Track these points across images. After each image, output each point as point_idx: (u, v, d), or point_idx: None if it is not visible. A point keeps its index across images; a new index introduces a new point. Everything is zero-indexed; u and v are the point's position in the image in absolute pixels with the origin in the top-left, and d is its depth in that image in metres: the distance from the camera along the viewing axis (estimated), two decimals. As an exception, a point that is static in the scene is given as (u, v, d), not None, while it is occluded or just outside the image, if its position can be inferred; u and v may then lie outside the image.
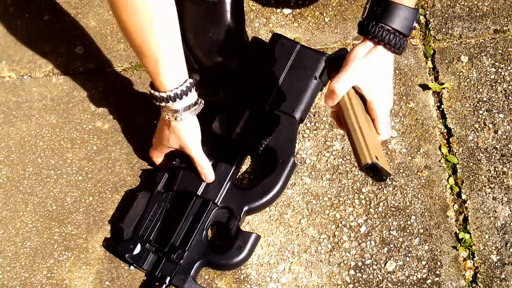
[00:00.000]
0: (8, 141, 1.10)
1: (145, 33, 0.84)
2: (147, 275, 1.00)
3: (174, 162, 1.02)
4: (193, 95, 0.91)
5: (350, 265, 1.02)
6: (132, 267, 1.01)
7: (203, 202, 0.99)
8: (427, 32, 1.20)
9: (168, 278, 0.95)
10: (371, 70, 0.83)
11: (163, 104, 0.90)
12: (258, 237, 0.99)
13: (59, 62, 1.17)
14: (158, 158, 1.04)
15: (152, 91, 0.90)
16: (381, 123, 0.85)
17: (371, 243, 1.03)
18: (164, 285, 0.95)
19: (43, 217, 1.05)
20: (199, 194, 1.00)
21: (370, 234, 1.04)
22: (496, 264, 1.02)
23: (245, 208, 0.99)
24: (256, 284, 1.00)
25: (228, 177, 1.01)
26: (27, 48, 1.18)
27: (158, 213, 0.99)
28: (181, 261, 0.96)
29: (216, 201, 0.99)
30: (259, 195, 1.00)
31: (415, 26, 0.81)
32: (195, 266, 0.96)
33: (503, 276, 1.01)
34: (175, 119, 0.91)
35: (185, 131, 0.94)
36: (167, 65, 0.87)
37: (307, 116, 1.11)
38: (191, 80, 0.91)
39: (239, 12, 1.12)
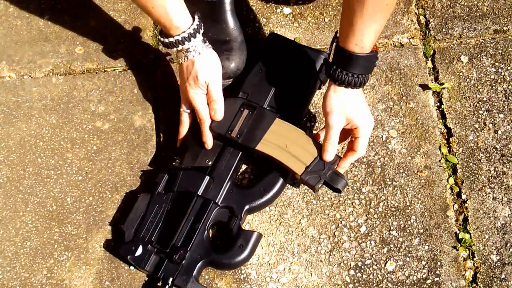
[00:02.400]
0: (8, 141, 1.10)
1: None
2: (149, 276, 1.00)
3: (174, 163, 1.02)
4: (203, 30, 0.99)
5: (350, 265, 1.02)
6: (132, 267, 1.01)
7: (204, 202, 0.99)
8: (427, 32, 1.20)
9: (171, 279, 0.95)
10: (346, 108, 0.95)
11: (184, 46, 0.97)
12: (260, 236, 0.99)
13: (59, 62, 1.17)
14: (188, 103, 1.04)
15: (170, 39, 0.96)
16: (363, 143, 0.97)
17: (371, 243, 1.03)
18: (167, 286, 0.95)
19: (43, 217, 1.05)
20: (200, 194, 1.00)
21: (370, 234, 1.04)
22: (496, 264, 1.02)
23: (246, 207, 0.99)
24: (256, 284, 1.00)
25: (228, 177, 1.01)
26: (27, 48, 1.18)
27: (159, 214, 0.99)
28: (183, 262, 0.96)
29: (216, 201, 0.99)
30: (260, 194, 1.00)
31: (376, 64, 0.96)
32: (197, 266, 0.96)
33: (503, 276, 1.01)
34: (199, 53, 0.98)
35: (207, 64, 0.99)
36: (175, 7, 0.94)
37: (307, 116, 1.12)
38: (198, 17, 0.98)
39: (239, 12, 1.12)
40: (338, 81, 0.94)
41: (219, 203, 1.00)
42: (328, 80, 0.97)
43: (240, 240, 0.97)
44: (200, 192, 1.00)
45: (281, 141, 0.99)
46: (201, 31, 0.98)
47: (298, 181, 1.05)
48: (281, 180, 1.01)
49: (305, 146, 0.99)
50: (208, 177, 1.00)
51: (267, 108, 1.04)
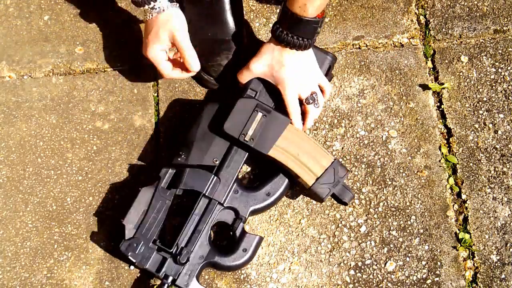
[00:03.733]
0: (8, 141, 1.10)
1: None
2: (145, 272, 0.99)
3: (179, 159, 1.00)
4: None
5: (350, 265, 1.02)
6: (132, 267, 1.01)
7: (209, 202, 0.98)
8: (427, 32, 1.20)
9: (171, 279, 0.95)
10: (279, 66, 0.99)
11: (150, 5, 1.00)
12: (261, 239, 0.99)
13: (59, 62, 1.17)
14: (153, 56, 1.05)
15: None
16: (292, 112, 1.02)
17: (371, 243, 1.03)
18: (166, 285, 0.94)
19: (43, 217, 1.05)
20: (206, 194, 0.98)
21: (370, 234, 1.04)
22: (496, 264, 1.02)
23: (250, 209, 0.99)
24: (256, 284, 1.00)
25: (234, 178, 1.00)
26: (27, 48, 1.18)
27: (162, 211, 0.97)
28: (187, 263, 0.95)
29: (222, 202, 0.98)
30: (265, 197, 1.00)
31: (318, 31, 0.98)
32: (199, 267, 0.95)
33: (503, 276, 1.01)
34: (163, 10, 1.01)
35: (171, 17, 1.02)
36: None
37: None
38: None
39: (239, 12, 1.12)
40: (283, 41, 0.97)
41: (224, 204, 0.99)
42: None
43: (243, 244, 0.97)
44: (206, 192, 0.98)
45: (293, 148, 0.99)
46: None
47: (305, 191, 1.05)
48: (285, 184, 1.01)
49: (316, 156, 0.99)
50: (215, 177, 0.99)
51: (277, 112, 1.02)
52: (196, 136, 1.02)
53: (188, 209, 0.98)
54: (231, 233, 0.98)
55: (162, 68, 1.04)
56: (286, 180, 1.01)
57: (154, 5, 1.01)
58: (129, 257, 0.95)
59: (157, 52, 1.03)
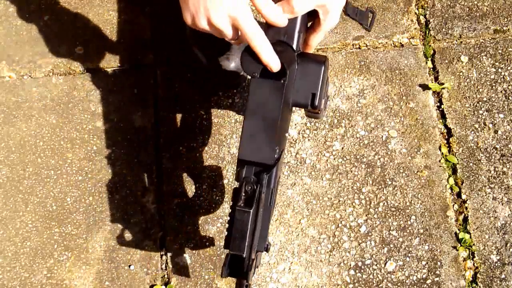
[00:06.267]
0: (8, 141, 1.10)
1: None
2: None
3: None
4: None
5: (350, 265, 1.02)
6: (132, 267, 1.01)
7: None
8: (427, 32, 1.20)
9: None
10: None
11: None
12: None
13: (59, 62, 1.17)
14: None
15: None
16: (318, 38, 0.84)
17: (371, 243, 1.03)
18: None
19: (43, 217, 1.05)
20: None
21: (370, 234, 1.04)
22: (496, 264, 1.02)
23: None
24: (256, 284, 1.00)
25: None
26: (27, 48, 1.18)
27: (257, 225, 0.82)
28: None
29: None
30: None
31: None
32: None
33: (503, 276, 1.01)
34: None
35: None
36: None
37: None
38: None
39: None
40: None
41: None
42: None
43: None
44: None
45: None
46: None
47: None
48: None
49: None
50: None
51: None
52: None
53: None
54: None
55: (260, 31, 0.76)
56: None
57: None
58: (250, 284, 0.82)
59: (249, 10, 0.76)
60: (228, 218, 0.81)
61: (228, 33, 0.77)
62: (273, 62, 0.78)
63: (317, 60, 0.82)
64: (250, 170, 0.80)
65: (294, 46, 0.81)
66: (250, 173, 0.80)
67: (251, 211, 0.78)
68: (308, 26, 0.85)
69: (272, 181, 0.80)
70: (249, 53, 0.78)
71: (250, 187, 0.80)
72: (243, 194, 0.80)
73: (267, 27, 0.80)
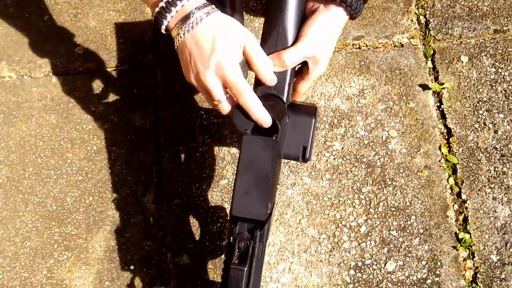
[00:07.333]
0: (8, 141, 1.10)
1: None
2: None
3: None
4: None
5: (350, 265, 1.02)
6: (132, 267, 1.01)
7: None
8: (427, 32, 1.20)
9: None
10: (325, 39, 0.81)
11: (172, 11, 0.74)
12: None
13: (59, 62, 1.17)
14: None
15: (159, 9, 0.74)
16: (306, 86, 0.85)
17: (371, 243, 1.03)
18: None
19: (43, 217, 1.05)
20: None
21: (370, 234, 1.04)
22: (496, 264, 1.02)
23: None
24: (256, 284, 1.00)
25: None
26: (27, 48, 1.18)
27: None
28: None
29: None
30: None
31: None
32: None
33: (503, 276, 1.01)
34: (206, 15, 0.73)
35: (227, 21, 0.75)
36: None
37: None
38: None
39: (239, 12, 1.11)
40: None
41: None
42: None
43: None
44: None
45: None
46: None
47: None
48: None
49: None
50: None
51: None
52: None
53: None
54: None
55: (249, 88, 0.76)
56: None
57: (189, 12, 0.73)
58: None
59: (239, 69, 0.75)
60: (222, 272, 0.82)
61: (216, 92, 0.76)
62: (263, 118, 0.77)
63: (307, 112, 0.84)
64: (243, 226, 0.82)
65: (284, 99, 0.83)
66: (243, 229, 0.81)
67: (246, 268, 0.80)
68: (296, 70, 0.86)
69: (265, 235, 0.82)
70: (240, 110, 0.79)
71: (243, 244, 0.81)
72: (237, 250, 0.81)
73: (257, 81, 0.81)
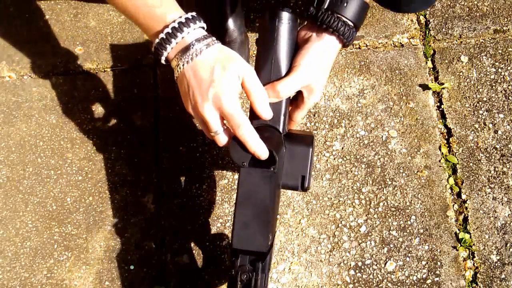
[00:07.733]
0: (8, 141, 1.10)
1: None
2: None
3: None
4: (202, 24, 0.76)
5: (350, 265, 1.02)
6: (132, 267, 1.01)
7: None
8: (427, 32, 1.20)
9: None
10: (318, 68, 0.81)
11: (178, 39, 0.74)
12: None
13: (59, 62, 1.17)
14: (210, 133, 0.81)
15: (159, 40, 0.74)
16: (302, 114, 0.86)
17: (371, 243, 1.03)
18: None
19: (43, 217, 1.05)
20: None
21: (370, 234, 1.04)
22: (496, 264, 1.02)
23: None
24: (256, 284, 1.00)
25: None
26: (27, 48, 1.18)
27: None
28: None
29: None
30: None
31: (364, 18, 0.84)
32: None
33: (503, 276, 1.01)
34: (206, 46, 0.73)
35: (228, 53, 0.76)
36: (162, 3, 0.75)
37: (307, 116, 1.12)
38: (193, 13, 0.76)
39: (239, 11, 1.12)
40: (326, 24, 0.79)
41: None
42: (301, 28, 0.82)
43: None
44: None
45: None
46: (199, 22, 0.75)
47: None
48: None
49: None
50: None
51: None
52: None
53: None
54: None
55: (246, 121, 0.76)
56: None
57: (189, 43, 0.73)
58: None
59: (237, 101, 0.74)
60: None
61: (213, 123, 0.76)
62: (260, 151, 0.77)
63: (304, 142, 0.83)
64: (245, 259, 0.81)
65: (281, 129, 0.83)
66: (245, 261, 0.81)
67: None
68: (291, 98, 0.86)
69: (267, 266, 0.82)
70: (237, 142, 0.78)
71: (246, 276, 0.81)
72: (240, 283, 0.81)
73: (252, 113, 0.81)
